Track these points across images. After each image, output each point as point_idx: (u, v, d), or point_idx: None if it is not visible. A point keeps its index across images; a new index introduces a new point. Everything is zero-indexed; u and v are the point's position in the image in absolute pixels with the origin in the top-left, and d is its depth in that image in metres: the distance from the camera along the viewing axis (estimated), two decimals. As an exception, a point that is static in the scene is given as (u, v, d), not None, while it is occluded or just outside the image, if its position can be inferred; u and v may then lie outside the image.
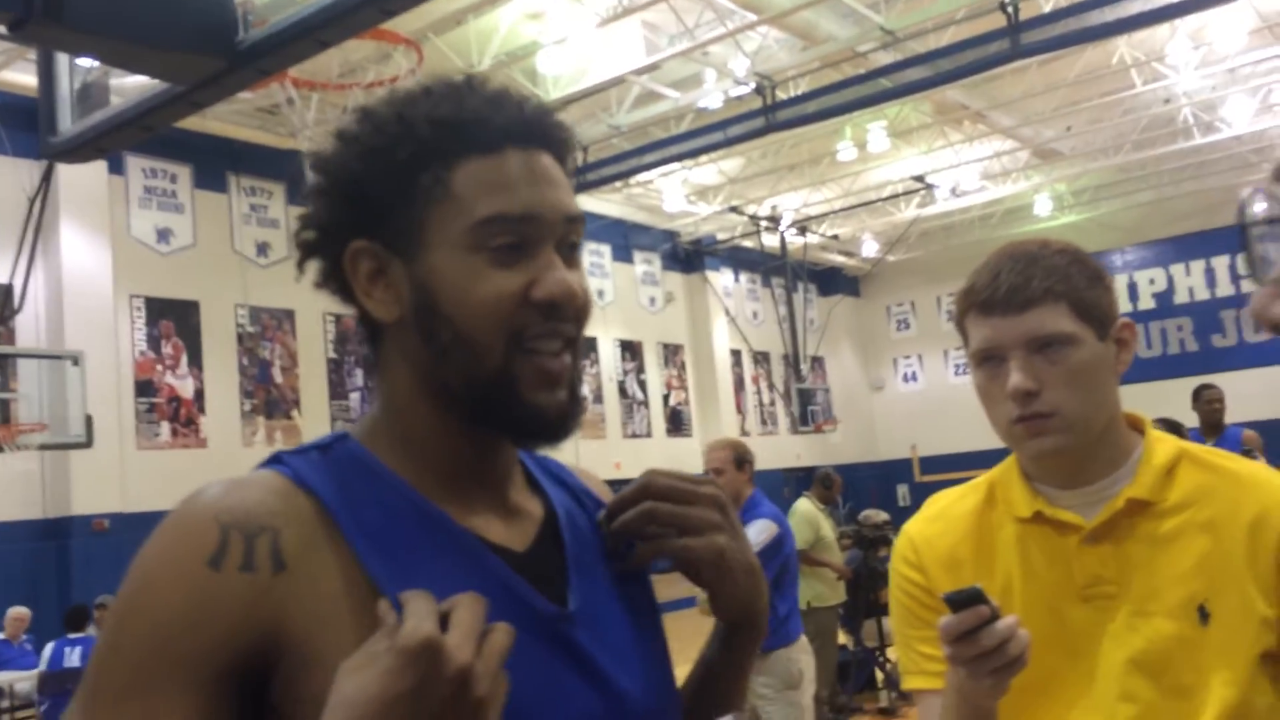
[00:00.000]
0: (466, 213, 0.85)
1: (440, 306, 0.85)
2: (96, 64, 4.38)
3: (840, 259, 25.08)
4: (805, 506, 7.53)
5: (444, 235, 0.86)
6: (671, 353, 21.78)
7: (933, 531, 1.43)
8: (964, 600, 1.09)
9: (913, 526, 1.47)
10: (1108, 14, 12.34)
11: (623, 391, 20.39)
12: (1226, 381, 8.25)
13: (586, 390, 20.08)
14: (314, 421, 14.79)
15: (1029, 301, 1.27)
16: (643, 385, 20.90)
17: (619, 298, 20.42)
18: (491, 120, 0.87)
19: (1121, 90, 16.70)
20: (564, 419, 0.88)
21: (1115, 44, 15.19)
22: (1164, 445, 1.35)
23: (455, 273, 0.85)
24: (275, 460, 0.88)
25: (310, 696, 0.75)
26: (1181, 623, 1.25)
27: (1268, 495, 1.27)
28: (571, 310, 0.87)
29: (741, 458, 4.79)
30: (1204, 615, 1.25)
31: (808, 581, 6.78)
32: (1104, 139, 19.03)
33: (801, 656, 4.91)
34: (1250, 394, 16.17)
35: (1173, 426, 4.62)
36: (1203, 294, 22.25)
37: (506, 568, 0.87)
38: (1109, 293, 1.33)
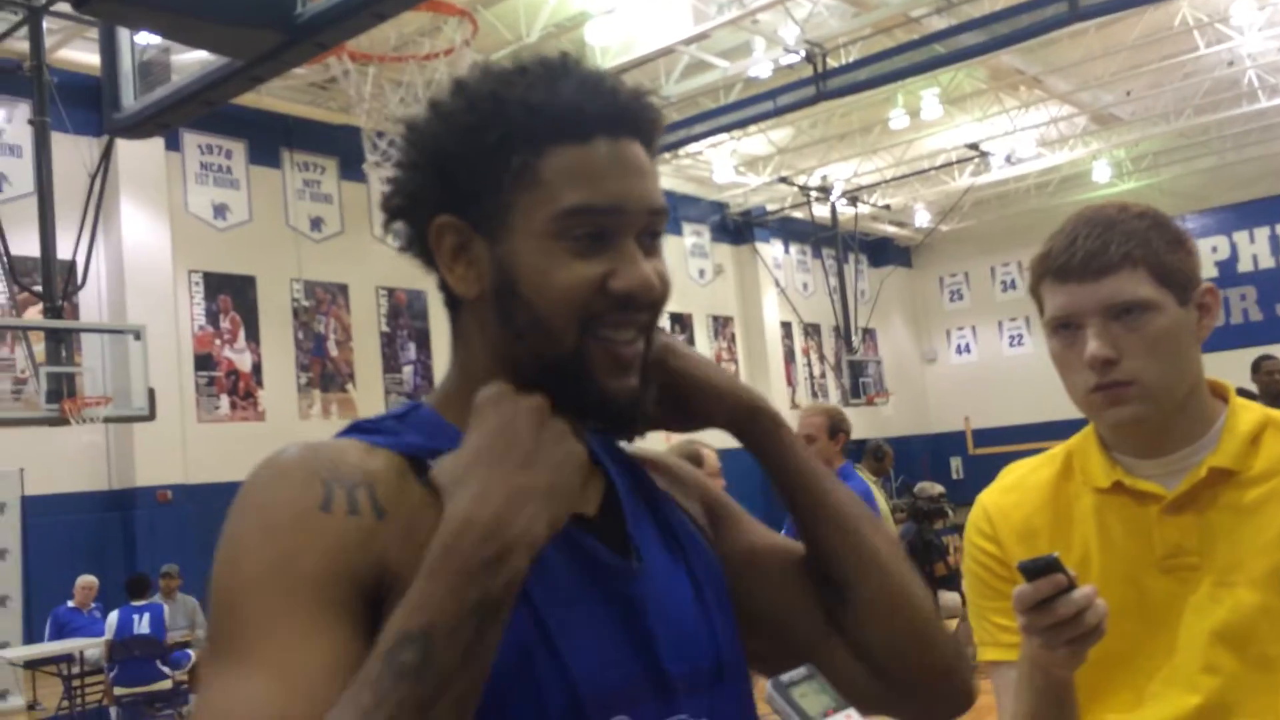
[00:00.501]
0: (553, 200, 0.86)
1: (519, 288, 0.87)
2: (157, 40, 4.43)
3: (892, 229, 24.79)
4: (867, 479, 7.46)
5: (528, 220, 0.87)
6: (721, 325, 21.72)
7: (1008, 502, 1.41)
8: (1040, 568, 1.07)
9: (987, 497, 1.45)
10: (1170, -26, 12.02)
11: (673, 364, 20.37)
12: (1292, 351, 8.06)
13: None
14: (368, 394, 14.97)
15: (1107, 267, 1.24)
16: (693, 357, 20.85)
17: (669, 270, 20.35)
18: (584, 108, 0.88)
19: (1183, 53, 16.26)
20: (634, 404, 0.90)
21: (1177, 5, 14.79)
22: (1249, 413, 1.31)
23: (536, 258, 0.87)
24: (353, 429, 0.92)
25: None
26: (1267, 593, 1.23)
27: None
28: (648, 301, 0.89)
29: (836, 426, 4.70)
30: None
31: None
32: (1165, 103, 18.57)
33: None
34: (1316, 364, 15.77)
35: (1250, 398, 4.52)
36: (1267, 262, 21.70)
37: (579, 530, 0.90)
38: (1191, 256, 1.29)
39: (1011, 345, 25.54)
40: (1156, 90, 17.88)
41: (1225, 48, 16.08)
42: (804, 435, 4.59)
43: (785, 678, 0.75)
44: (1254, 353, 7.41)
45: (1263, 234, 21.71)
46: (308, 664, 0.75)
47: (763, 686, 0.98)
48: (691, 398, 1.02)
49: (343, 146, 14.82)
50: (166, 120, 4.28)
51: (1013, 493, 1.42)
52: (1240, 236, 21.83)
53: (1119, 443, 1.33)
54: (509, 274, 0.88)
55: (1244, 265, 21.75)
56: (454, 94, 0.91)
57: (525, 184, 0.87)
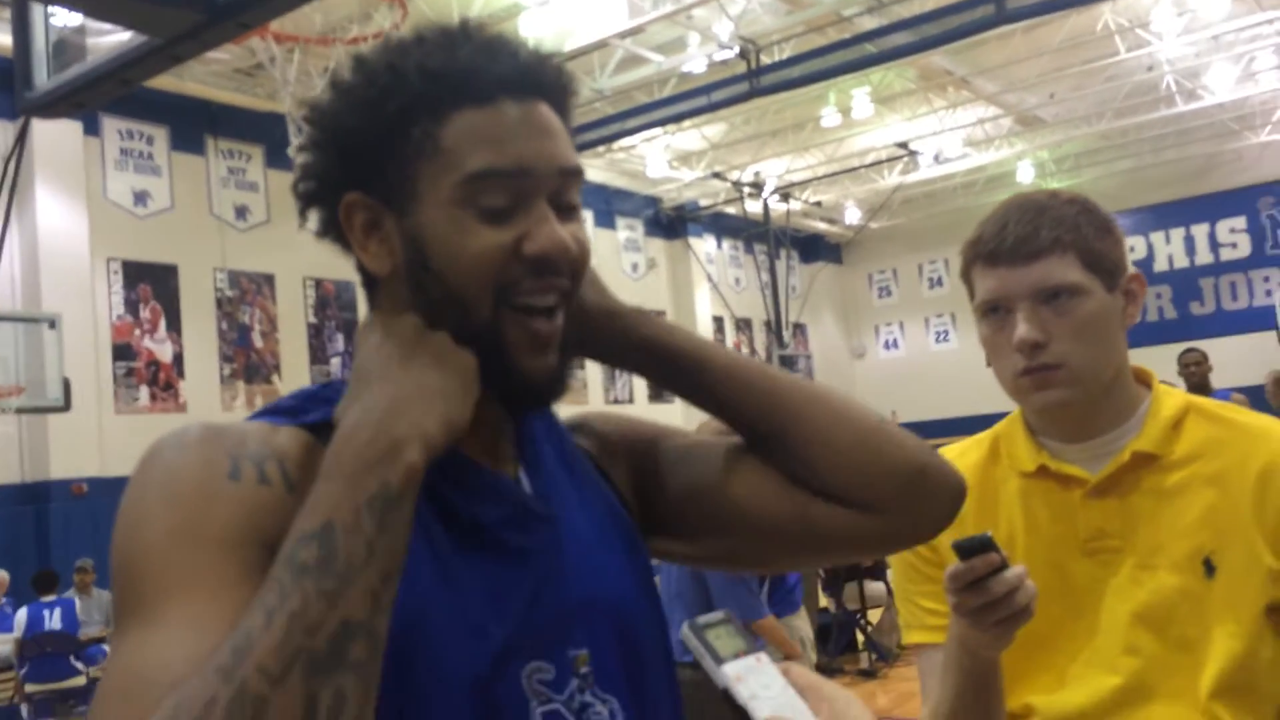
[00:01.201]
0: (456, 167, 0.84)
1: (430, 261, 0.85)
2: (72, 18, 4.28)
3: (823, 226, 25.05)
4: None
5: (434, 190, 0.84)
6: (653, 319, 21.76)
7: None
8: (974, 547, 1.08)
9: None
10: (1093, -21, 12.30)
11: (605, 357, 20.36)
12: (1205, 349, 8.30)
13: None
14: (294, 386, 14.53)
15: (1037, 252, 1.25)
16: (625, 351, 20.87)
17: (601, 264, 19.93)
18: (485, 70, 0.85)
19: (1105, 57, 16.67)
20: (552, 383, 0.88)
21: (1100, 10, 15.14)
22: (1171, 399, 1.33)
23: (445, 228, 0.84)
24: (259, 414, 0.89)
25: None
26: (1187, 576, 1.25)
27: (1277, 447, 1.26)
28: (565, 264, 0.85)
29: None
30: (1210, 568, 1.24)
31: None
32: (1087, 106, 19.01)
33: (803, 625, 5.06)
34: (1228, 361, 16.26)
35: None
36: (1182, 262, 22.35)
37: (484, 472, 0.89)
38: (1119, 244, 1.31)
39: (938, 341, 25.98)
40: (1079, 93, 18.30)
41: (1145, 52, 16.52)
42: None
43: (701, 620, 0.76)
44: (1173, 349, 7.63)
45: (1178, 235, 22.35)
46: (221, 616, 0.71)
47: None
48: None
49: (269, 134, 14.51)
50: (81, 100, 4.13)
51: None
52: (1156, 237, 22.46)
53: (1045, 427, 1.35)
54: (419, 247, 0.85)
55: (1160, 265, 22.38)
56: (353, 69, 0.88)
57: (428, 153, 0.84)
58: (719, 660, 0.72)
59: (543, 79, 0.88)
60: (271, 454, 0.81)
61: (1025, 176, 21.87)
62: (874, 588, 8.48)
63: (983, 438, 1.43)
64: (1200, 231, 21.91)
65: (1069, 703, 1.26)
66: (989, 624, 1.10)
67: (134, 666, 0.70)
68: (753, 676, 0.71)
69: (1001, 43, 15.50)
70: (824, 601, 8.78)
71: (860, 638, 8.71)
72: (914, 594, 1.40)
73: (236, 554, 0.75)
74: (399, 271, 0.87)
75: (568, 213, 0.87)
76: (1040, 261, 1.25)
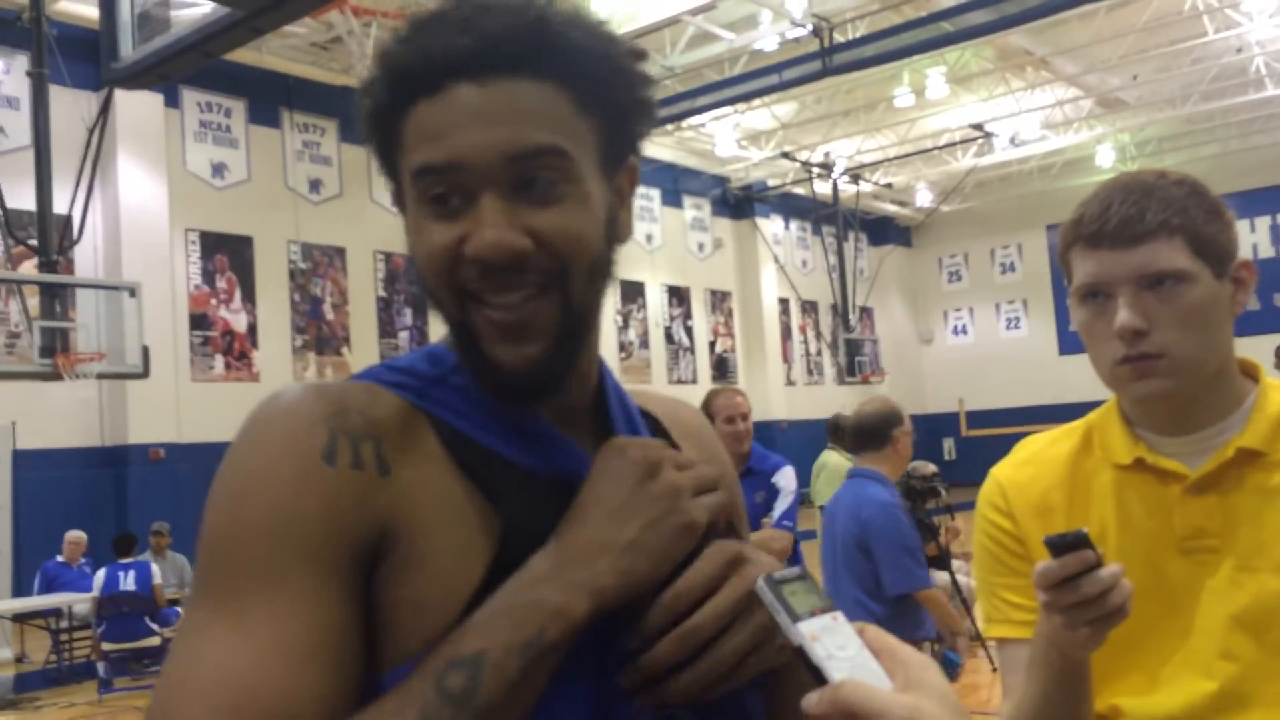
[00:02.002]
0: (410, 164, 0.82)
1: (414, 259, 0.85)
2: (157, -9, 4.36)
3: (893, 208, 24.72)
4: (835, 459, 7.26)
5: (406, 189, 0.84)
6: (719, 299, 21.68)
7: (1023, 477, 1.37)
8: (1067, 544, 1.04)
9: (1001, 471, 1.41)
10: (1182, -43, 11.92)
11: (669, 337, 20.35)
12: (1292, 341, 8.05)
13: (633, 335, 20.12)
14: (363, 358, 14.92)
15: (1142, 234, 1.19)
16: (689, 331, 20.84)
17: (667, 243, 20.30)
18: (434, 55, 0.80)
19: (1192, 38, 16.17)
20: (536, 371, 0.82)
21: (1188, -11, 14.69)
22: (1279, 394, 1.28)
23: (411, 226, 0.84)
24: (369, 374, 0.88)
25: (408, 599, 0.77)
26: None
27: None
28: (502, 263, 0.79)
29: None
30: None
31: None
32: (1171, 88, 18.48)
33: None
34: (1313, 355, 15.79)
35: None
36: (1267, 251, 21.69)
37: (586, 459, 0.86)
38: (1228, 228, 1.24)
39: (1008, 328, 25.53)
40: (1163, 75, 17.79)
41: (1234, 34, 15.98)
42: (740, 414, 4.55)
43: (777, 575, 0.74)
44: (1256, 342, 7.40)
45: (1263, 223, 21.68)
46: (294, 632, 0.73)
47: None
48: None
49: (343, 108, 14.61)
50: (165, 71, 4.21)
51: (1028, 466, 1.38)
52: (1242, 225, 21.79)
53: (1142, 418, 1.29)
54: (410, 245, 0.86)
55: (1244, 253, 21.71)
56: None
57: (399, 151, 0.83)
58: (794, 617, 0.70)
59: (506, 50, 0.79)
60: (369, 431, 0.80)
61: (1105, 160, 21.34)
62: (938, 577, 8.37)
63: (1074, 427, 1.38)
64: (1289, 220, 21.22)
65: (1160, 706, 1.21)
66: (1081, 623, 1.06)
67: (201, 663, 0.72)
68: (828, 636, 0.69)
69: (1084, 22, 15.10)
70: (886, 588, 8.71)
71: (923, 626, 8.62)
72: (997, 586, 1.36)
73: (322, 556, 0.75)
74: None
75: (537, 197, 0.80)
76: (1145, 245, 1.18)
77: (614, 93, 0.85)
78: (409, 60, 0.82)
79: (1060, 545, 1.04)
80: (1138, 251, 1.19)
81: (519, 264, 0.80)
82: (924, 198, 23.55)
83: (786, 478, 4.61)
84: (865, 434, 4.03)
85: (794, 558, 4.51)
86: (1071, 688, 1.16)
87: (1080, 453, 1.35)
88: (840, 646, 0.69)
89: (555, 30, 0.81)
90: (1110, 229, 1.20)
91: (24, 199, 10.41)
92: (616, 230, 0.88)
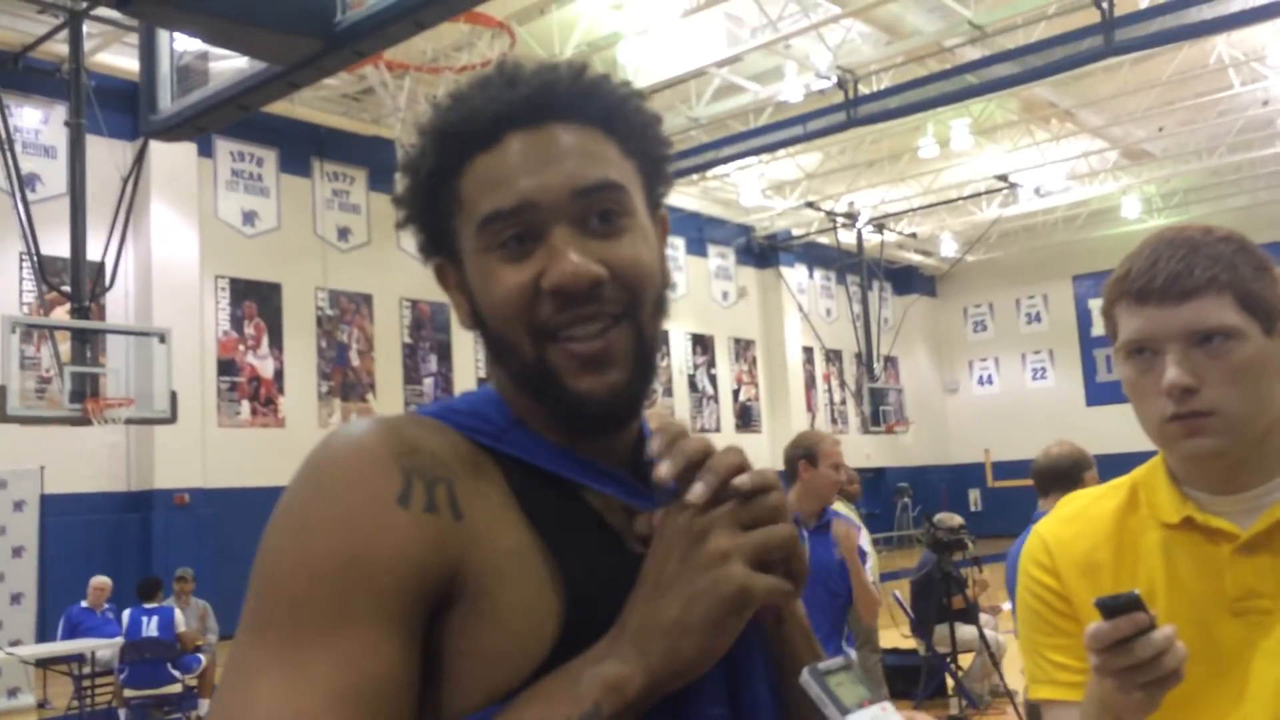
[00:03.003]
0: (474, 216, 0.85)
1: (480, 311, 0.86)
2: (195, 45, 4.45)
3: (917, 258, 24.73)
4: (842, 508, 7.30)
5: (466, 242, 0.86)
6: (743, 348, 21.68)
7: (1068, 533, 1.35)
8: (1120, 606, 1.02)
9: (1046, 528, 1.39)
10: (1206, 11, 11.96)
11: (693, 385, 20.35)
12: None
13: (657, 383, 20.06)
14: (388, 405, 15.00)
15: (1190, 291, 1.17)
16: (713, 380, 20.83)
17: (692, 291, 20.37)
18: (484, 111, 0.85)
19: (1218, 91, 16.20)
20: (619, 399, 0.84)
21: (1213, 43, 14.73)
22: None
23: (478, 277, 0.85)
24: (432, 411, 0.88)
25: (476, 651, 0.77)
26: None
27: None
28: (582, 291, 0.82)
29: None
30: None
31: None
32: (1197, 140, 18.48)
33: None
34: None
35: None
36: (1296, 303, 21.50)
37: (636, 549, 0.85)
38: (1276, 284, 1.23)
39: (1034, 378, 25.38)
40: (1189, 127, 17.80)
41: (1260, 87, 16.00)
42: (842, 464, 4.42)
43: (822, 666, 0.73)
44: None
45: (1293, 275, 21.51)
46: (354, 683, 0.72)
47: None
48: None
49: (372, 157, 14.90)
50: (202, 124, 4.29)
51: (1074, 523, 1.36)
52: (1270, 277, 21.65)
53: (1191, 476, 1.27)
54: (473, 299, 0.87)
55: (1273, 306, 21.57)
56: (413, 139, 0.92)
57: (456, 208, 0.86)
58: (843, 710, 0.69)
59: (554, 101, 0.85)
60: (443, 474, 0.80)
61: (1131, 212, 21.31)
62: (965, 631, 8.24)
63: (1120, 483, 1.36)
64: (1317, 272, 21.04)
65: None
66: (1134, 687, 1.03)
67: (258, 709, 0.71)
68: None
69: (1109, 74, 15.16)
70: (913, 644, 8.56)
71: (950, 683, 8.48)
72: (1043, 646, 1.33)
73: (391, 602, 0.75)
74: (475, 324, 0.89)
75: (605, 230, 0.84)
76: (1193, 301, 1.16)
77: (648, 141, 0.90)
78: (463, 120, 0.86)
79: (1113, 607, 1.02)
80: (1186, 308, 1.18)
81: (596, 293, 0.82)
82: (949, 247, 23.55)
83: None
84: (1057, 476, 3.92)
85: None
86: None
87: (1126, 510, 1.33)
88: None
89: (594, 81, 0.87)
90: (1158, 285, 1.19)
91: (58, 246, 10.58)
92: (665, 271, 0.90)
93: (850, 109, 13.95)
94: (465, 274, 0.87)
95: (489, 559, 0.78)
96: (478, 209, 0.84)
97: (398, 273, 15.04)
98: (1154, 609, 1.24)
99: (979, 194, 20.43)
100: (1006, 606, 9.21)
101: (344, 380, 14.86)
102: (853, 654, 4.32)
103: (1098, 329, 24.91)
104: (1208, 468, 1.24)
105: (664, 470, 0.78)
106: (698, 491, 0.77)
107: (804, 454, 4.07)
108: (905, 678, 8.57)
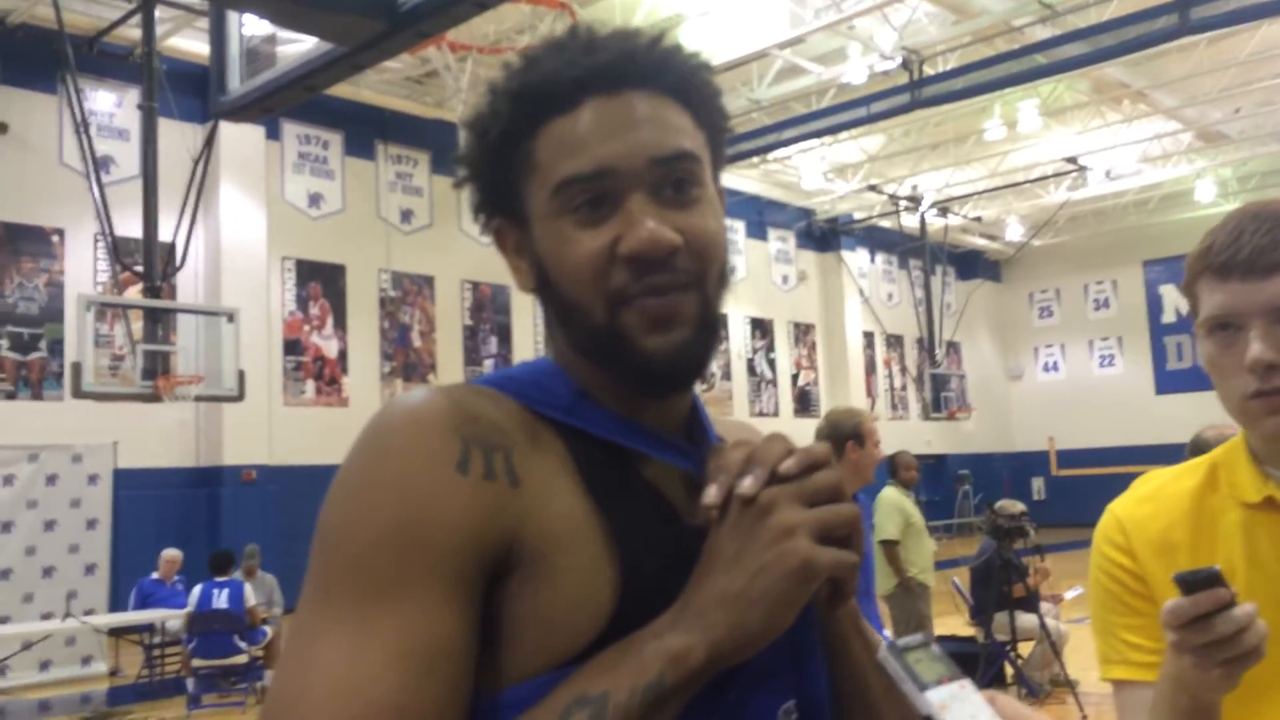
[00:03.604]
0: (549, 180, 0.85)
1: (549, 274, 0.86)
2: (264, 28, 4.52)
3: (982, 242, 24.35)
4: (891, 494, 7.28)
5: (538, 205, 0.86)
6: (802, 332, 21.55)
7: (1144, 513, 1.33)
8: (1200, 581, 1.00)
9: (1120, 506, 1.37)
10: (1287, -12, 11.59)
11: (751, 369, 20.28)
12: None
13: (715, 366, 20.09)
14: (449, 386, 15.17)
15: (1275, 265, 1.15)
16: (772, 364, 20.75)
17: (751, 274, 20.28)
18: (563, 75, 0.85)
19: (1298, 70, 15.70)
20: (684, 357, 0.85)
21: (1294, 20, 14.27)
22: None
23: (551, 240, 0.85)
24: (490, 380, 0.89)
25: (536, 615, 0.78)
26: None
27: None
28: (665, 257, 0.83)
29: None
30: None
31: (908, 559, 6.76)
32: (1275, 122, 17.93)
33: None
34: None
35: None
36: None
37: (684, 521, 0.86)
38: None
39: (1102, 365, 24.89)
40: (1267, 108, 17.28)
41: (1344, 66, 15.47)
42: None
43: (901, 642, 0.73)
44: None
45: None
46: (414, 645, 0.73)
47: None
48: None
49: (435, 140, 15.04)
50: (270, 105, 4.37)
51: (1149, 503, 1.34)
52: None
53: (1273, 455, 1.24)
54: (540, 263, 0.87)
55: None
56: (478, 102, 0.91)
57: (529, 171, 0.86)
58: (922, 686, 0.69)
59: (633, 68, 0.85)
60: (501, 442, 0.81)
61: (1205, 195, 20.76)
62: (1025, 619, 8.14)
63: (1199, 463, 1.34)
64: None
65: None
66: (1213, 664, 1.02)
67: (325, 671, 0.72)
68: (958, 704, 0.68)
69: (1183, 54, 14.76)
70: (972, 631, 8.48)
71: (1010, 671, 8.39)
72: (1116, 626, 1.32)
73: (452, 566, 0.76)
74: (537, 288, 0.89)
75: (679, 199, 0.85)
76: (1278, 276, 1.17)
77: (715, 115, 0.90)
78: (540, 82, 0.86)
79: (1192, 582, 1.00)
80: (1271, 283, 1.15)
81: (670, 260, 0.83)
82: (1014, 232, 23.15)
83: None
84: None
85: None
86: None
87: (1205, 489, 1.30)
88: (971, 716, 0.69)
89: (670, 50, 0.88)
90: (1242, 258, 1.17)
91: (131, 227, 10.84)
92: (727, 240, 0.91)
93: (915, 90, 13.76)
94: (532, 237, 0.87)
95: (546, 526, 0.79)
96: (554, 172, 0.84)
97: (459, 255, 15.18)
98: (1234, 587, 1.22)
99: (1046, 177, 20.04)
100: (1069, 595, 9.08)
101: (406, 361, 15.05)
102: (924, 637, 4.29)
103: (1169, 316, 24.33)
104: None
105: (710, 496, 0.79)
106: (747, 485, 0.77)
107: (851, 434, 4.07)
108: (964, 665, 8.45)
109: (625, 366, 0.85)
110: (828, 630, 0.92)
